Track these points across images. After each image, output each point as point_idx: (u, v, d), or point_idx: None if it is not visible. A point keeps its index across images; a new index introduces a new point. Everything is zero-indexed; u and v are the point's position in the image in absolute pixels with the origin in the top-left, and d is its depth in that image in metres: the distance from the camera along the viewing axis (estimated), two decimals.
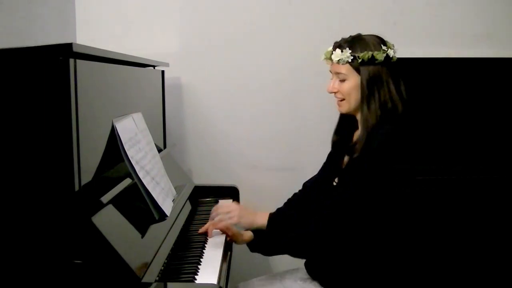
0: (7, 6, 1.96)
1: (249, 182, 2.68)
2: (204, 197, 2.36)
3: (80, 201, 1.27)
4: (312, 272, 1.77)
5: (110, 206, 1.38)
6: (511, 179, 2.42)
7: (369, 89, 1.66)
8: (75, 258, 1.22)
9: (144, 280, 1.29)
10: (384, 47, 1.69)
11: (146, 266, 1.36)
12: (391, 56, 1.69)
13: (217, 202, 2.31)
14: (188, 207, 2.06)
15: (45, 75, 1.22)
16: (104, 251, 1.23)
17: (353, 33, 1.66)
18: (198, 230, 1.88)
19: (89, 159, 1.35)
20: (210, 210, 2.18)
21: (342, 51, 1.69)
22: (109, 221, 1.33)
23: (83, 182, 1.30)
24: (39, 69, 1.22)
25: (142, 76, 2.05)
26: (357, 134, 1.74)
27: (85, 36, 2.63)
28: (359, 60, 1.67)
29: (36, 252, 1.23)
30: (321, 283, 1.73)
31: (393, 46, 1.74)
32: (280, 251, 1.68)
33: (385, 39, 1.77)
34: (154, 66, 2.29)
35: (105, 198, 1.36)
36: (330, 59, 1.73)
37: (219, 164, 2.76)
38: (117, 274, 1.25)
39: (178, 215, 1.81)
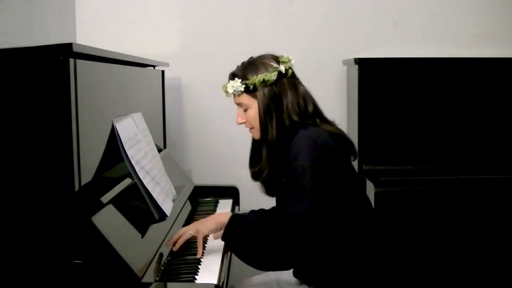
0: (7, 6, 1.96)
1: (249, 182, 2.66)
2: (204, 197, 2.36)
3: (80, 201, 1.27)
4: (302, 277, 1.76)
5: (110, 206, 1.38)
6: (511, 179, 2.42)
7: (267, 112, 1.66)
8: (75, 258, 1.22)
9: (144, 280, 1.29)
10: (275, 65, 1.67)
11: (146, 266, 1.36)
12: (283, 71, 1.67)
13: (217, 202, 2.31)
14: (188, 207, 2.06)
15: (45, 75, 1.22)
16: (104, 251, 1.23)
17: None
18: None
19: (89, 159, 1.35)
20: (210, 210, 2.18)
21: (234, 82, 1.69)
22: (109, 221, 1.33)
23: (83, 182, 1.30)
24: (39, 69, 1.22)
25: (142, 76, 2.05)
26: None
27: (85, 36, 2.63)
28: (251, 87, 1.66)
29: (36, 252, 1.23)
30: (316, 287, 1.73)
31: (287, 59, 1.70)
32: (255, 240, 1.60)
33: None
34: (154, 66, 2.29)
35: (105, 198, 1.36)
36: (227, 92, 1.72)
37: (219, 164, 2.75)
38: (117, 274, 1.25)
39: (178, 215, 1.81)
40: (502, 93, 2.49)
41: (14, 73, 1.24)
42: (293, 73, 1.71)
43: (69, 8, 2.61)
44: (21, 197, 1.26)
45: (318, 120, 1.67)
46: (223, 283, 1.51)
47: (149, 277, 1.33)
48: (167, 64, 2.41)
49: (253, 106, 1.69)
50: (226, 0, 2.70)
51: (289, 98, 1.66)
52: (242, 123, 1.76)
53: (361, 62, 2.44)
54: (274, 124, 1.66)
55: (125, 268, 1.25)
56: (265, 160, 1.71)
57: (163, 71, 2.38)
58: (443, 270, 2.39)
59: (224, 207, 2.23)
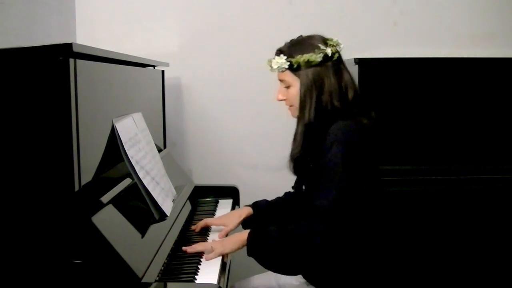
0: (7, 6, 1.96)
1: (249, 182, 2.68)
2: (204, 197, 2.36)
3: (80, 201, 1.27)
4: (308, 277, 1.76)
5: (110, 206, 1.38)
6: (511, 179, 2.43)
7: (308, 92, 1.66)
8: (75, 258, 1.22)
9: (144, 280, 1.29)
10: (322, 47, 1.66)
11: (146, 266, 1.36)
12: (329, 55, 1.66)
13: (217, 202, 2.31)
14: (188, 207, 2.06)
15: (45, 75, 1.22)
16: (104, 251, 1.23)
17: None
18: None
19: (89, 159, 1.35)
20: (210, 210, 2.18)
21: (279, 58, 1.69)
22: (109, 221, 1.33)
23: (83, 182, 1.30)
24: (39, 69, 1.22)
25: (142, 76, 2.05)
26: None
27: (85, 36, 2.63)
28: (295, 65, 1.66)
29: (36, 252, 1.23)
30: (317, 286, 1.72)
31: (336, 43, 1.71)
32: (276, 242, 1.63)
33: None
34: (154, 66, 2.29)
35: (105, 198, 1.36)
36: (271, 67, 1.72)
37: (219, 164, 2.75)
38: (117, 274, 1.25)
39: (178, 215, 1.81)
40: (502, 93, 2.49)
41: (14, 73, 1.24)
42: (339, 57, 1.71)
43: (69, 8, 2.61)
44: (21, 197, 1.26)
45: (356, 111, 1.66)
46: (223, 283, 1.51)
47: (149, 277, 1.33)
48: (167, 64, 2.41)
49: (295, 84, 1.69)
50: (226, 0, 2.70)
51: (331, 81, 1.66)
52: (282, 100, 1.75)
53: (361, 62, 2.44)
54: (313, 105, 1.66)
55: (125, 268, 1.25)
56: (299, 138, 1.71)
57: (163, 71, 2.38)
58: (443, 270, 2.39)
59: (224, 207, 2.23)
